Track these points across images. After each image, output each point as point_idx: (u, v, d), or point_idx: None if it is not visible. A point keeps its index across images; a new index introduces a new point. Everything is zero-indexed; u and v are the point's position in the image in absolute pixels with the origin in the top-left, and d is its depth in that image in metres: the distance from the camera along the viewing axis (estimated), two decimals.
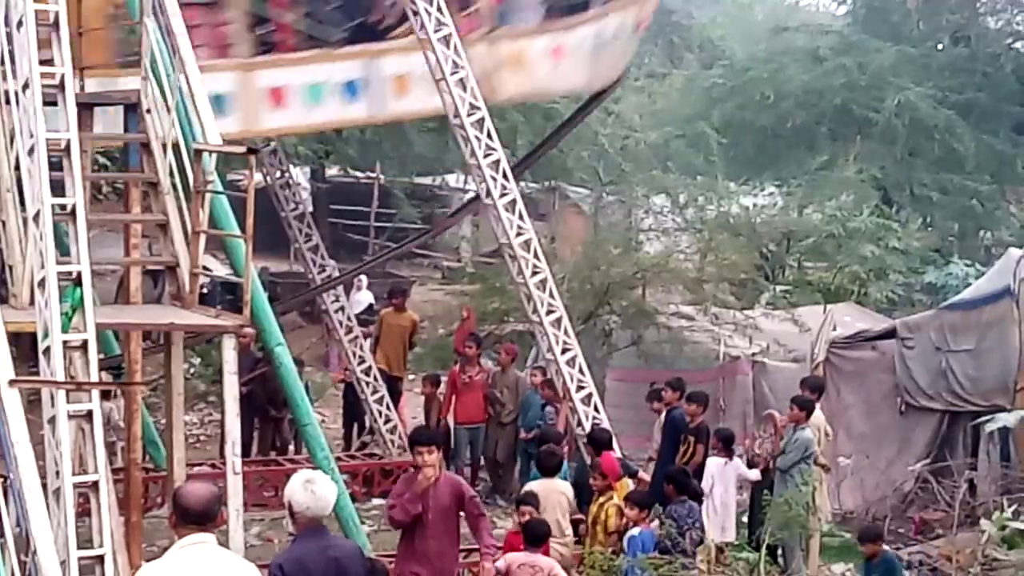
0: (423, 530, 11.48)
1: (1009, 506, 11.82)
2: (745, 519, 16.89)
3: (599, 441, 15.53)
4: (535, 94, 20.53)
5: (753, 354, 21.13)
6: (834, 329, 20.29)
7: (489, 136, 17.54)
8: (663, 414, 17.63)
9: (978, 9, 37.20)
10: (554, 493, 13.62)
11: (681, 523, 13.86)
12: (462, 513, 11.82)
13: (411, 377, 23.09)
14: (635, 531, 13.08)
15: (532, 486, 13.93)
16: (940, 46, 36.34)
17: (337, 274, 21.52)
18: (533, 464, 15.84)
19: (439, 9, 16.46)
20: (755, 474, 16.28)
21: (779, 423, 16.35)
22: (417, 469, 11.51)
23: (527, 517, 12.66)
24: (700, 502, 14.82)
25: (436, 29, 16.65)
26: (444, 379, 21.25)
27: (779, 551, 14.95)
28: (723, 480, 15.98)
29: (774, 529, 13.71)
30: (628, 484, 14.64)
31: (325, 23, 16.90)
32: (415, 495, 11.44)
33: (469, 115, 17.25)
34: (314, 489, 8.26)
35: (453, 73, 17.03)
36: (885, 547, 13.78)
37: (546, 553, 12.40)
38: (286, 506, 8.39)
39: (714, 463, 16.09)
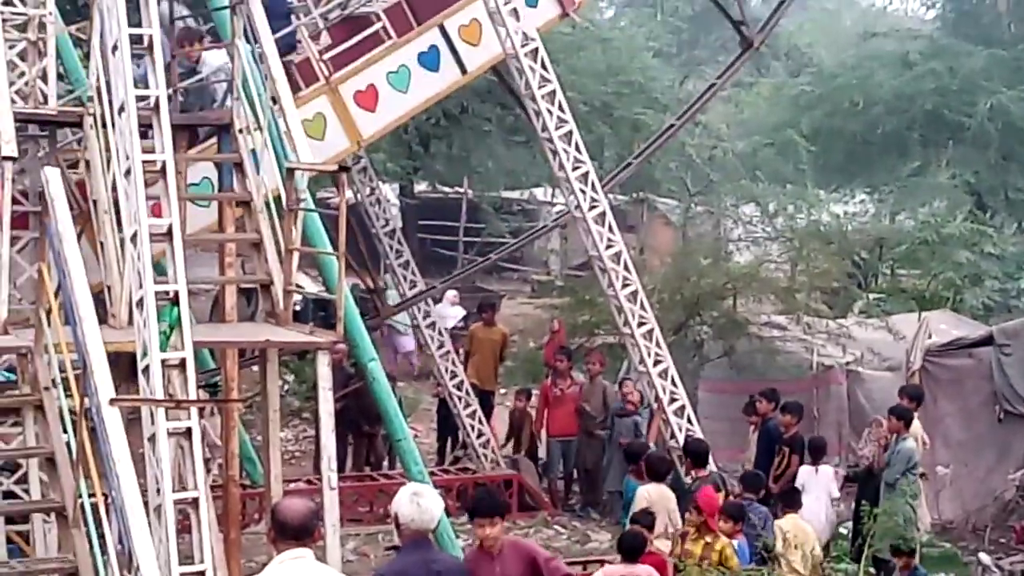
0: None
1: None
2: (846, 530, 16.78)
3: (696, 452, 15.51)
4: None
5: (847, 363, 20.92)
6: (929, 337, 20.10)
7: (577, 149, 17.56)
8: (757, 426, 17.57)
9: None
10: (664, 498, 13.85)
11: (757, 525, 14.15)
12: None
13: (502, 391, 23.10)
14: (732, 543, 13.07)
15: (649, 491, 14.22)
16: None
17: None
18: (627, 475, 15.89)
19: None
20: (836, 491, 16.27)
21: (881, 434, 16.23)
22: (481, 546, 9.77)
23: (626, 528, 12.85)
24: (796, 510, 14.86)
25: (523, 44, 16.74)
26: (536, 393, 21.31)
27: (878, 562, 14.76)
28: (813, 488, 15.92)
29: (876, 541, 13.59)
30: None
31: None
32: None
33: (557, 128, 17.29)
34: (420, 502, 8.28)
35: (541, 87, 17.09)
36: (917, 564, 13.66)
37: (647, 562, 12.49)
38: (392, 518, 8.39)
39: (805, 471, 16.07)
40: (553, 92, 17.42)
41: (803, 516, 15.37)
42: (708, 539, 12.72)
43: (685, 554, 12.81)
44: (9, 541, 11.34)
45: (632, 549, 12.21)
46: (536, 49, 17.24)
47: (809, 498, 15.85)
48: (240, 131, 11.90)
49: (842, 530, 16.96)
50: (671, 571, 12.92)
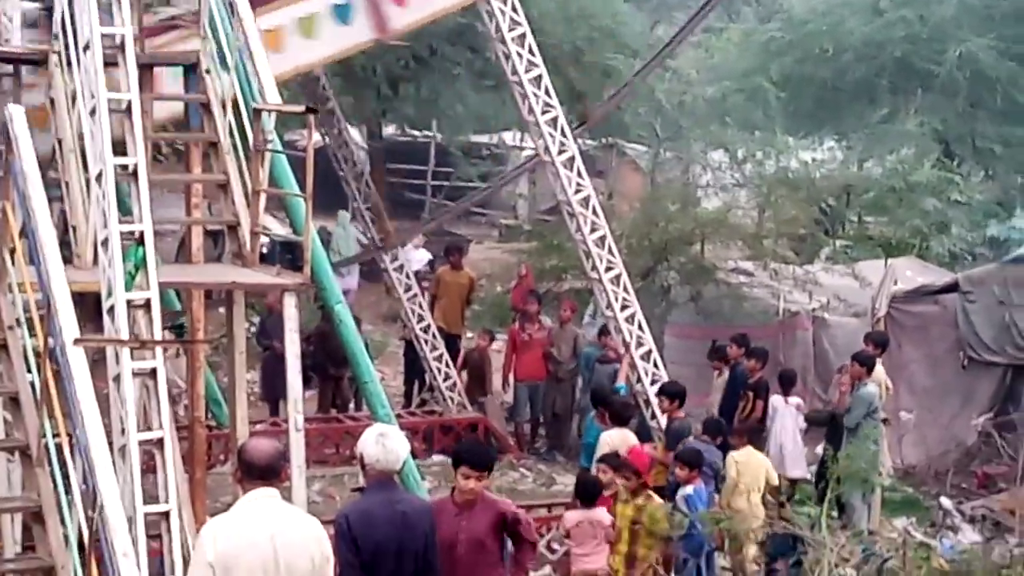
0: (451, 568, 9.18)
1: None
2: (810, 475, 16.92)
3: (673, 393, 15.57)
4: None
5: (813, 310, 21.05)
6: (895, 284, 20.20)
7: (547, 93, 17.52)
8: (724, 371, 17.68)
9: None
10: (626, 443, 13.82)
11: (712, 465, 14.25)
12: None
13: (469, 335, 23.12)
14: (689, 489, 13.10)
15: (611, 436, 14.12)
16: None
17: (394, 233, 21.58)
18: (591, 418, 15.94)
19: None
20: (802, 423, 16.52)
21: (844, 380, 16.36)
22: (453, 496, 9.47)
23: (608, 475, 12.85)
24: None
25: None
26: (500, 336, 21.37)
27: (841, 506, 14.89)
28: (781, 417, 16.15)
29: (839, 485, 13.70)
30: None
31: None
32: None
33: (527, 72, 17.24)
34: (385, 443, 8.32)
35: (511, 30, 17.02)
36: None
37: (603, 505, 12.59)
38: (358, 458, 8.43)
39: (775, 399, 16.41)
40: (523, 35, 17.34)
41: (772, 443, 15.85)
42: (640, 501, 12.22)
43: (616, 516, 12.36)
44: None
45: (589, 494, 12.32)
46: None
47: (776, 426, 16.17)
48: (206, 71, 11.83)
49: (807, 475, 17.12)
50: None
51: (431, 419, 20.31)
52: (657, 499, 12.38)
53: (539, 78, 17.51)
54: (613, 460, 13.39)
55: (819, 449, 16.69)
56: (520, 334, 20.39)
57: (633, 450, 13.22)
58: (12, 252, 9.69)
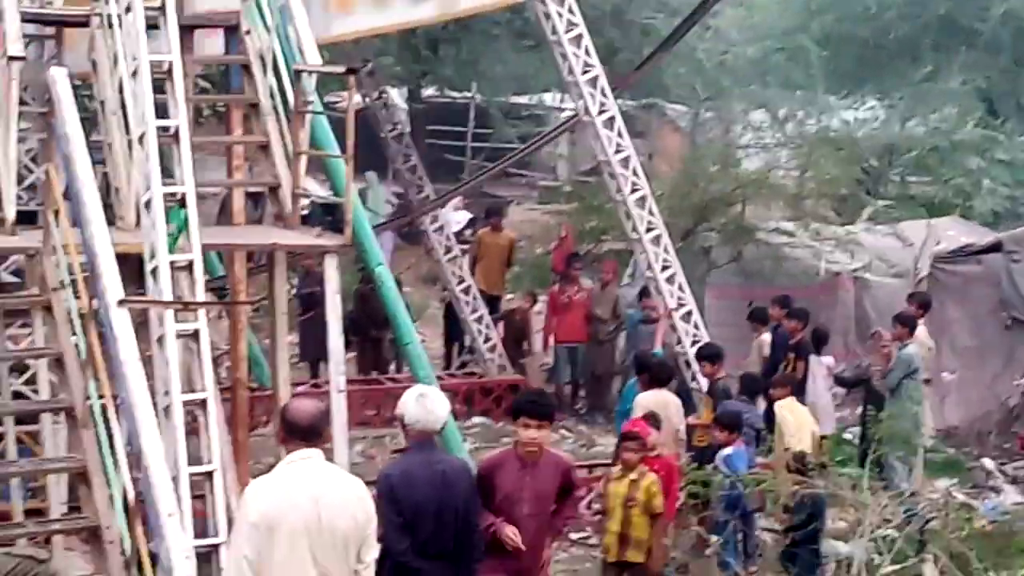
0: (515, 523, 9.02)
1: None
2: (851, 435, 16.92)
3: (711, 355, 15.56)
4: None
5: (854, 270, 20.95)
6: (938, 244, 20.12)
7: (587, 52, 17.49)
8: (763, 332, 17.65)
9: None
10: (663, 404, 13.84)
11: (753, 427, 14.23)
12: None
13: (509, 297, 23.14)
14: (729, 451, 13.11)
15: (646, 397, 14.07)
16: None
17: (434, 195, 21.57)
18: (632, 383, 15.93)
19: None
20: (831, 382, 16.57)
21: (885, 342, 16.32)
22: (516, 450, 9.19)
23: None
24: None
25: None
26: (542, 299, 21.38)
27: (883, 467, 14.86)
28: (812, 375, 16.17)
29: (881, 444, 13.67)
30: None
31: None
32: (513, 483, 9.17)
33: (567, 31, 17.21)
34: (426, 404, 8.37)
35: (568, 30, 17.03)
36: None
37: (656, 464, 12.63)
38: (398, 420, 8.47)
39: (811, 358, 16.49)
40: None
41: (813, 403, 15.97)
42: (634, 476, 11.66)
43: (608, 495, 11.87)
44: (19, 441, 11.42)
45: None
46: None
47: (822, 385, 16.26)
48: (247, 32, 11.85)
49: (848, 435, 17.10)
50: (677, 476, 13.04)
51: (471, 381, 20.36)
52: (652, 474, 11.81)
53: (579, 37, 17.48)
54: (653, 422, 13.43)
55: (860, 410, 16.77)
56: (560, 296, 20.38)
57: (636, 421, 13.14)
58: (56, 214, 9.75)
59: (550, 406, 9.54)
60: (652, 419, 13.46)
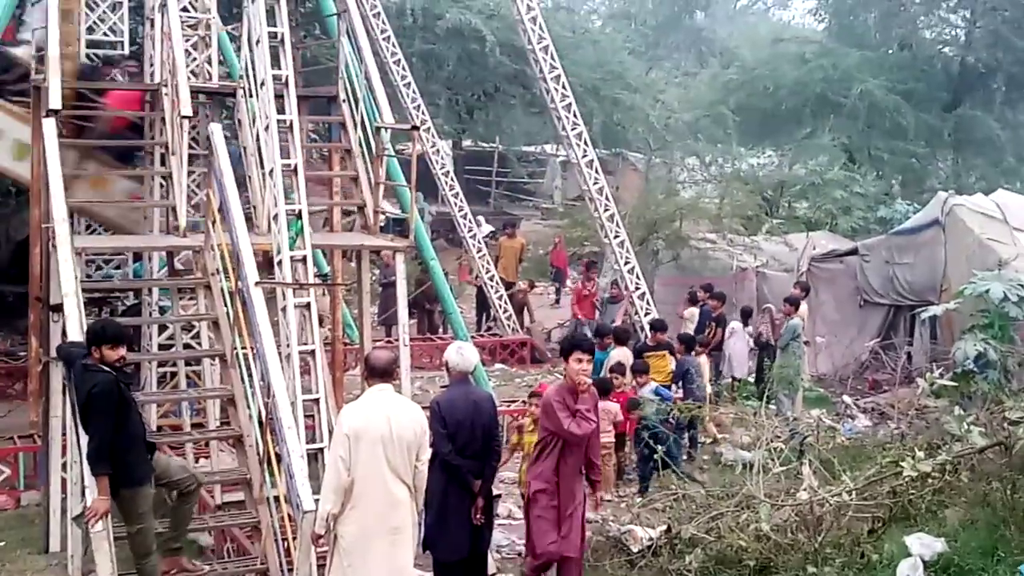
0: (579, 447, 8.29)
1: (936, 369, 11.67)
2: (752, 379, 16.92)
3: (658, 325, 15.53)
4: None
5: (757, 267, 20.99)
6: (814, 249, 20.13)
7: (575, 116, 17.47)
8: (691, 308, 17.73)
9: (918, 24, 36.10)
10: (625, 357, 13.82)
11: (692, 371, 14.13)
12: None
13: (521, 283, 23.14)
14: (653, 385, 13.08)
15: (615, 352, 14.02)
16: (891, 51, 35.25)
17: (470, 214, 21.57)
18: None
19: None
20: (751, 343, 16.69)
21: (775, 314, 16.41)
22: (572, 383, 8.30)
23: (618, 380, 12.88)
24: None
25: (539, 41, 16.55)
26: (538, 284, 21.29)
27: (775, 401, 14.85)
28: (740, 337, 16.36)
29: (773, 386, 13.68)
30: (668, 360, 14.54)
31: None
32: (592, 406, 8.35)
33: (562, 101, 17.21)
34: (463, 353, 8.39)
35: (551, 72, 16.97)
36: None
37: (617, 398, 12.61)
38: (444, 364, 8.47)
39: (736, 326, 16.94)
40: (559, 76, 17.32)
41: (728, 353, 16.67)
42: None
43: (524, 445, 10.49)
44: (187, 377, 11.49)
45: (604, 390, 12.29)
46: (548, 46, 17.09)
47: (739, 343, 16.75)
48: (343, 100, 11.86)
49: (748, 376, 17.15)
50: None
51: (494, 339, 20.34)
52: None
53: (569, 105, 17.49)
54: (619, 368, 13.41)
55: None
56: (583, 290, 20.32)
57: (543, 385, 12.19)
58: (214, 223, 9.78)
59: (592, 341, 9.20)
60: (618, 367, 13.47)
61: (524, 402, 14.27)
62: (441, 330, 20.46)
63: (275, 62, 10.27)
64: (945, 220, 16.74)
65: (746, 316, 17.39)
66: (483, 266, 20.97)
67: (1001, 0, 33.30)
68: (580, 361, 8.26)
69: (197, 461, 11.09)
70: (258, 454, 8.74)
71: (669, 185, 27.41)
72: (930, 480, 8.68)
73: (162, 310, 12.66)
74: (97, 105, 11.95)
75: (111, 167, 12.22)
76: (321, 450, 8.77)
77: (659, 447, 11.14)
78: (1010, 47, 32.85)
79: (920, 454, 8.84)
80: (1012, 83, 33.98)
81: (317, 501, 7.31)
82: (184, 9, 11.54)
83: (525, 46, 17.32)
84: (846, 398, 16.52)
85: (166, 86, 10.82)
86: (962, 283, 14.25)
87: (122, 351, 7.73)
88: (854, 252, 18.98)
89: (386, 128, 11.29)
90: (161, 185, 11.61)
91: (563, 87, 17.42)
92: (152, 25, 11.85)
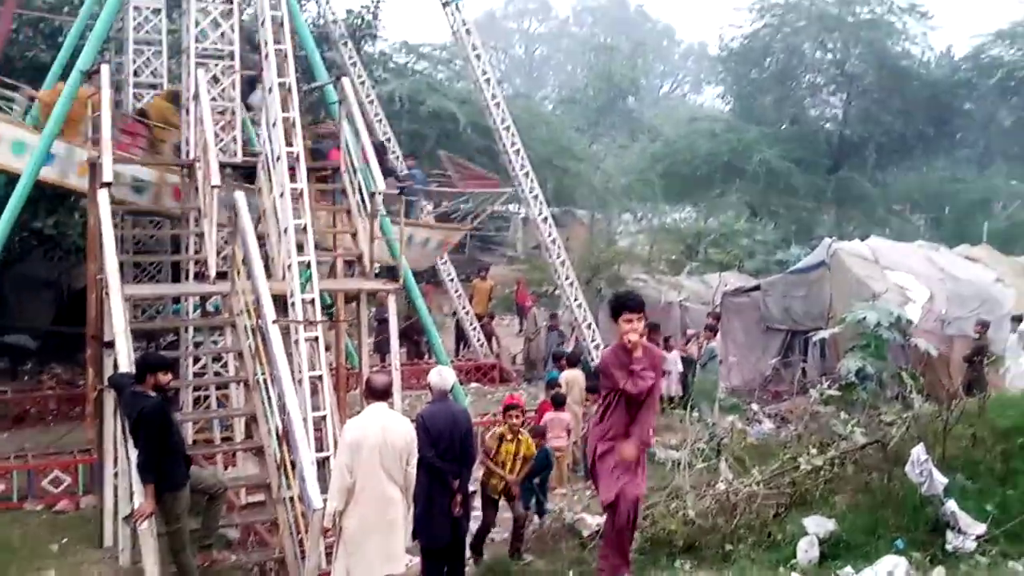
0: (637, 403, 6.63)
1: (825, 382, 11.74)
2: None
3: (571, 358, 15.31)
4: None
5: (680, 301, 21.04)
6: (726, 286, 20.19)
7: (532, 181, 17.54)
8: None
9: (804, 105, 36.75)
10: (576, 378, 13.65)
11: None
12: None
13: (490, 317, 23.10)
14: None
15: (568, 373, 13.67)
16: (784, 126, 35.86)
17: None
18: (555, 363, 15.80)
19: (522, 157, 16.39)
20: (680, 365, 16.44)
21: (700, 340, 16.40)
22: (621, 343, 6.58)
23: (554, 391, 12.71)
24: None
25: (502, 121, 16.62)
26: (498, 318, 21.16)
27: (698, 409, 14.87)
28: (671, 362, 16.21)
29: (695, 397, 13.69)
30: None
31: None
32: (648, 365, 6.58)
33: (521, 169, 17.29)
34: (442, 374, 8.30)
35: (512, 146, 17.04)
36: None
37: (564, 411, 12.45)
38: (428, 384, 8.40)
39: (670, 353, 16.40)
40: (519, 149, 17.39)
41: (670, 376, 15.92)
42: (521, 438, 9.52)
43: (501, 453, 9.44)
44: (217, 399, 11.34)
45: (559, 403, 12.26)
46: (509, 126, 17.18)
47: (673, 368, 16.21)
48: (344, 171, 11.86)
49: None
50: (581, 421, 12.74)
51: (469, 363, 20.22)
52: (526, 434, 9.67)
53: (528, 173, 17.56)
54: (558, 384, 13.09)
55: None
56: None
57: (514, 396, 11.26)
58: (238, 272, 9.72)
59: (642, 299, 6.84)
60: (566, 387, 13.09)
61: (495, 415, 14.27)
62: (426, 356, 20.36)
63: (288, 140, 10.28)
64: (830, 262, 16.90)
65: (668, 341, 17.13)
66: (460, 303, 20.90)
67: (870, 85, 33.98)
68: (630, 321, 6.54)
69: (226, 468, 10.92)
70: (276, 462, 8.64)
71: (609, 236, 27.66)
72: (822, 472, 8.71)
73: (196, 344, 12.52)
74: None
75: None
76: (328, 458, 8.71)
77: None
78: (879, 122, 33.50)
79: (813, 451, 8.88)
80: (881, 151, 34.62)
81: (325, 500, 7.22)
82: (213, 99, 11.51)
83: (491, 126, 17.39)
84: (754, 406, 16.51)
85: (199, 161, 10.77)
86: (844, 312, 14.39)
87: (170, 376, 7.87)
88: (758, 288, 19.09)
89: (379, 193, 11.30)
90: (195, 242, 11.53)
91: (522, 158, 17.50)
92: (187, 112, 11.80)
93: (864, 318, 13.47)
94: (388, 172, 14.99)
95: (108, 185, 9.77)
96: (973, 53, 34.52)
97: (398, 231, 11.75)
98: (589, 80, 45.56)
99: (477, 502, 10.61)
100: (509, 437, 9.62)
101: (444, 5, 16.12)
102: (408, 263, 12.74)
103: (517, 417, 9.53)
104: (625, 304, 6.62)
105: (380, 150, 15.99)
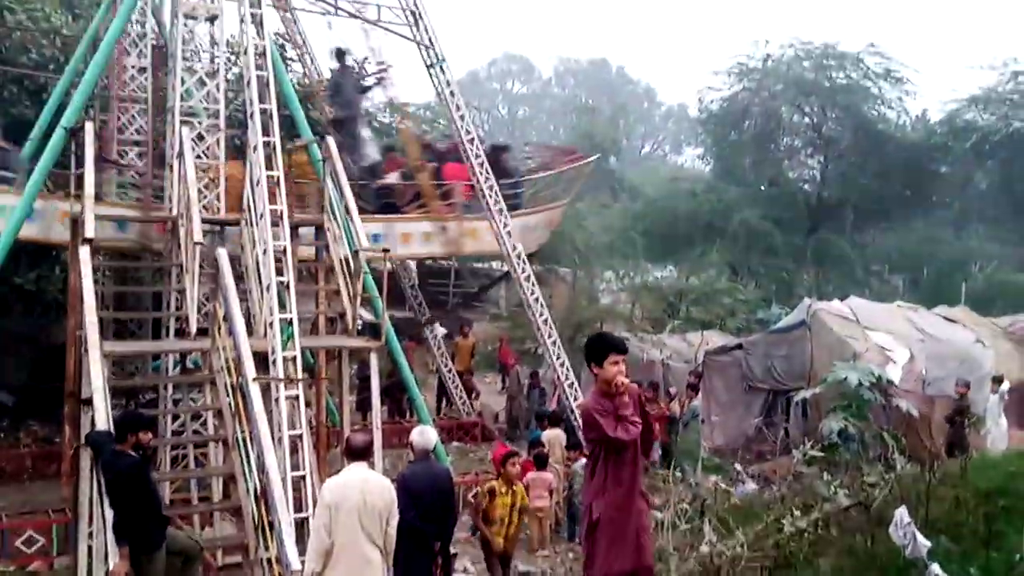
0: (634, 451, 6.14)
1: (808, 442, 11.73)
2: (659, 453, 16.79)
3: (554, 416, 15.28)
4: (481, 252, 20.38)
5: (662, 359, 21.05)
6: (707, 345, 20.23)
7: (514, 244, 17.63)
8: None
9: (783, 167, 37.31)
10: (558, 437, 13.56)
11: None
12: None
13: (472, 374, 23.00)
14: (581, 461, 12.73)
15: (549, 432, 13.71)
16: (763, 187, 36.36)
17: (432, 318, 21.55)
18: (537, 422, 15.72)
19: (495, 193, 16.57)
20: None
21: (682, 398, 16.35)
22: (608, 388, 6.02)
23: (536, 450, 12.62)
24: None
25: (498, 208, 16.77)
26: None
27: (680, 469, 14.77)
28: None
29: (678, 457, 13.60)
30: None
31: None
32: (631, 410, 6.04)
33: (504, 227, 17.39)
34: (424, 433, 8.24)
35: (505, 227, 17.22)
36: None
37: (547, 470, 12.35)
38: (409, 443, 8.33)
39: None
40: (502, 208, 17.44)
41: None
42: (515, 489, 9.65)
43: (496, 507, 9.54)
44: (196, 458, 11.19)
45: (541, 462, 12.18)
46: (493, 186, 17.30)
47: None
48: (327, 229, 11.88)
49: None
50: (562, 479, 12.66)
51: (451, 421, 20.08)
52: (519, 485, 9.80)
53: (510, 233, 17.60)
54: (541, 443, 13.02)
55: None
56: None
57: (501, 447, 11.68)
58: (219, 329, 9.66)
59: (626, 343, 6.38)
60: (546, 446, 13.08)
61: (486, 472, 14.24)
62: (408, 415, 20.18)
63: (272, 198, 10.31)
64: (810, 321, 17.00)
65: (670, 398, 17.06)
66: (442, 361, 20.81)
67: (847, 148, 34.61)
68: (616, 363, 6.03)
69: (203, 529, 10.72)
70: (254, 522, 8.49)
71: (591, 294, 27.65)
72: (806, 534, 8.64)
73: (175, 402, 12.37)
74: None
75: None
76: (307, 518, 8.55)
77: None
78: (856, 184, 34.03)
79: (797, 513, 8.82)
80: (858, 213, 35.10)
81: (303, 562, 7.08)
82: (198, 156, 11.56)
83: (475, 185, 17.48)
84: (737, 466, 16.46)
85: (182, 217, 10.77)
86: (826, 372, 14.44)
87: (151, 435, 7.84)
88: (740, 347, 19.14)
89: (363, 251, 11.31)
90: (176, 298, 11.46)
91: (505, 217, 17.57)
92: (171, 169, 11.84)
93: (845, 378, 13.51)
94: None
95: (90, 241, 9.73)
96: (948, 117, 35.29)
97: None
98: (571, 140, 46.15)
99: (458, 564, 10.48)
100: (503, 490, 9.50)
101: (429, 67, 16.30)
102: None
103: (514, 465, 9.52)
104: (613, 345, 6.12)
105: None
